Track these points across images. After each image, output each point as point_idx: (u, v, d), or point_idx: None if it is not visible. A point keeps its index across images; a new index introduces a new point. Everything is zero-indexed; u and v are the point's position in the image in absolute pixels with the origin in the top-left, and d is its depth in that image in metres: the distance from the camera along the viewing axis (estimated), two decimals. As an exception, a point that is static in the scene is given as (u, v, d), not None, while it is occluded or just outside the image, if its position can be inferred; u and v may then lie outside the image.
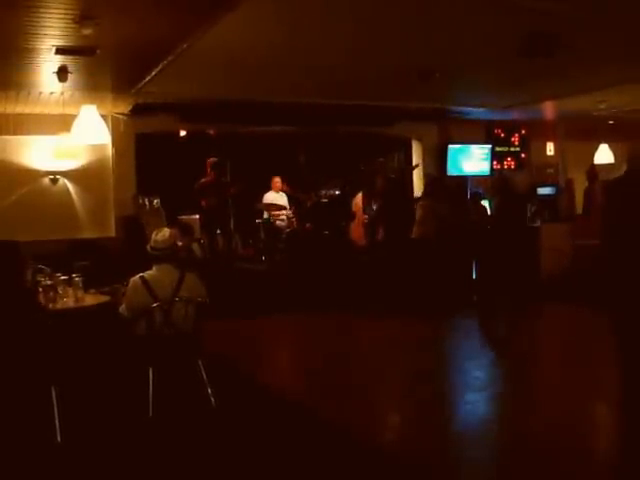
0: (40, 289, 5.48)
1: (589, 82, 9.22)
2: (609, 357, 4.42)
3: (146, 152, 10.76)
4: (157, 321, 5.14)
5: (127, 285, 5.39)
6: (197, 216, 10.70)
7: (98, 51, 6.83)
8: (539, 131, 13.23)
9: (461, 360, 7.46)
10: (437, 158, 12.62)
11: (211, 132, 11.97)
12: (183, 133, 11.68)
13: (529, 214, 12.09)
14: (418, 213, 10.06)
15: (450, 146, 12.52)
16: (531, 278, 10.40)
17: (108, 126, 9.18)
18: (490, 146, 12.90)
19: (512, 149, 13.30)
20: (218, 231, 10.64)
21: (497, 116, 12.19)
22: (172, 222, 9.33)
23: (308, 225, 11.41)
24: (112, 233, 10.43)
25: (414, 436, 4.87)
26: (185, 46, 6.71)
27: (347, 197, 11.93)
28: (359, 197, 11.70)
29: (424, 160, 12.65)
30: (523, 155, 13.39)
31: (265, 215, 11.62)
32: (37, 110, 9.69)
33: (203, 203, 10.37)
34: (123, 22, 6.02)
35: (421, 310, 9.09)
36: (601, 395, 5.70)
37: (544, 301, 9.92)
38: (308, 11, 6.00)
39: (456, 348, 8.02)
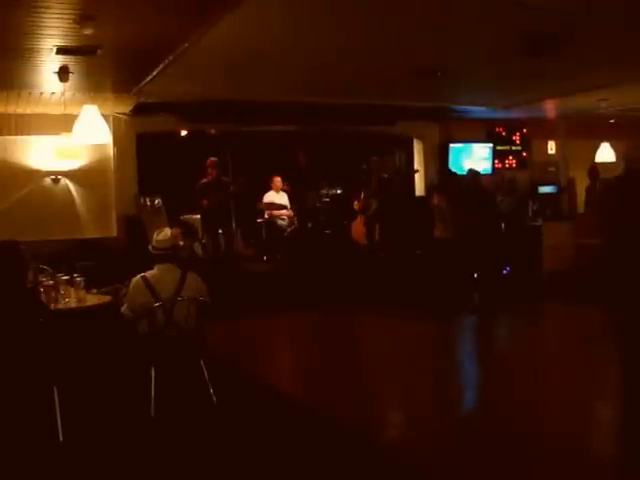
0: (42, 289, 5.48)
1: (590, 81, 9.21)
2: (610, 356, 4.42)
3: (147, 152, 10.76)
4: (159, 321, 5.14)
5: (129, 285, 5.39)
6: (198, 216, 10.70)
7: (99, 51, 6.83)
8: (540, 130, 13.23)
9: (462, 360, 7.46)
10: (439, 157, 12.63)
11: (212, 132, 11.98)
12: (184, 133, 11.69)
13: (530, 213, 12.12)
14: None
15: (451, 145, 12.53)
16: (533, 276, 10.43)
17: (109, 126, 9.19)
18: (491, 145, 12.90)
19: (513, 148, 13.31)
20: (220, 231, 10.64)
21: (498, 115, 12.18)
22: (173, 222, 9.32)
23: (310, 225, 11.42)
24: (114, 233, 10.43)
25: (414, 436, 4.86)
26: (186, 46, 6.72)
27: (349, 196, 11.93)
28: (360, 196, 11.70)
29: (426, 159, 12.67)
30: (524, 154, 13.40)
31: (266, 215, 11.62)
32: (38, 110, 9.69)
33: (204, 203, 10.37)
34: (124, 22, 6.02)
35: (423, 309, 9.09)
36: (602, 394, 5.70)
37: (545, 299, 9.93)
38: (309, 11, 5.99)
39: (458, 347, 8.02)
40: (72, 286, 5.69)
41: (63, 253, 8.75)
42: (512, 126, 13.12)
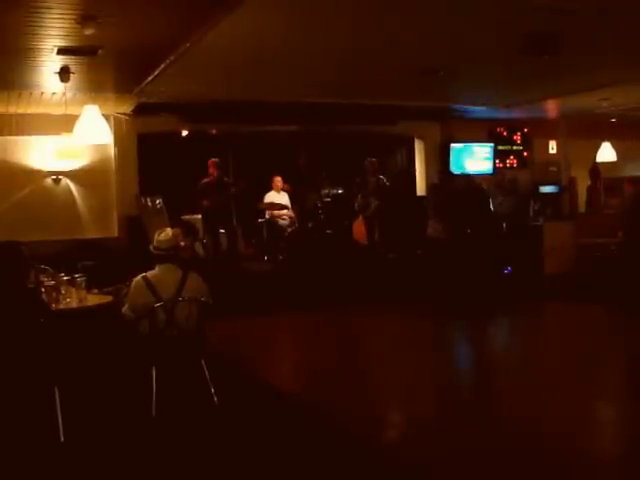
0: (43, 289, 5.48)
1: (591, 80, 9.21)
2: (611, 356, 4.42)
3: (148, 152, 10.78)
4: (160, 321, 5.14)
5: (130, 285, 5.40)
6: (199, 216, 10.71)
7: (100, 51, 6.84)
8: (541, 129, 13.22)
9: (462, 360, 7.46)
10: (440, 157, 12.63)
11: (213, 132, 11.98)
12: (185, 133, 11.69)
13: (531, 212, 12.13)
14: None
15: (453, 145, 12.52)
16: (534, 276, 10.43)
17: (110, 126, 9.20)
18: (492, 145, 12.89)
19: (514, 147, 13.30)
20: (221, 230, 10.65)
21: (500, 115, 12.18)
22: (175, 222, 9.33)
23: (310, 225, 11.42)
24: (115, 233, 10.44)
25: (414, 436, 4.86)
26: (187, 46, 6.72)
27: (350, 196, 11.93)
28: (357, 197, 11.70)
29: (427, 159, 12.67)
30: (525, 153, 13.39)
31: (267, 215, 11.62)
32: (39, 110, 9.70)
33: (205, 203, 10.37)
34: (125, 22, 6.03)
35: (424, 308, 9.09)
36: (603, 394, 5.69)
37: (546, 299, 9.92)
38: (309, 10, 6.00)
39: (458, 347, 8.02)
40: (73, 286, 5.69)
41: (64, 253, 8.77)
42: (513, 126, 13.11)
